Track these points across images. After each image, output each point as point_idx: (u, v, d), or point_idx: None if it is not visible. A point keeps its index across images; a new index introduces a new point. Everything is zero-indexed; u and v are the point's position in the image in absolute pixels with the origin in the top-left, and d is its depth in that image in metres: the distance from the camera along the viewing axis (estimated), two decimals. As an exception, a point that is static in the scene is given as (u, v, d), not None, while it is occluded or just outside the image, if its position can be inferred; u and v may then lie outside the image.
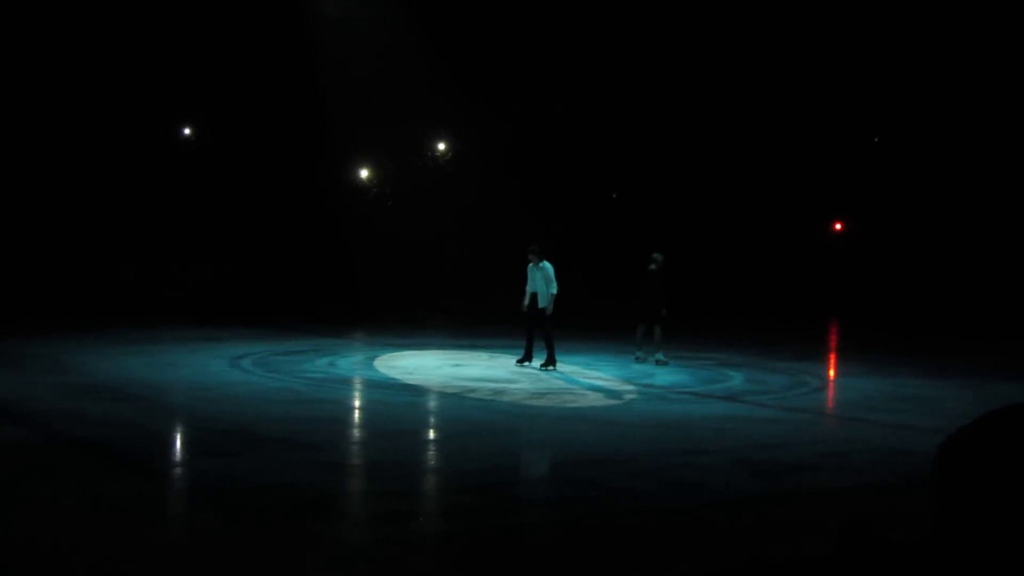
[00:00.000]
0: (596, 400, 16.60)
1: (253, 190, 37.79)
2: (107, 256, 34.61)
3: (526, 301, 20.51)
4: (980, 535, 1.24)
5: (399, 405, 15.75)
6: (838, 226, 45.01)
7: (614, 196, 43.94)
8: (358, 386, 18.35)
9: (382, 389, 17.44)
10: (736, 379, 19.84)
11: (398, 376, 19.02)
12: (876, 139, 45.83)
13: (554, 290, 20.11)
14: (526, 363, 20.58)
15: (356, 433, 14.48)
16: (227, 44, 37.12)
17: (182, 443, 12.78)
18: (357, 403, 17.08)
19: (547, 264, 20.25)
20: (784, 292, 40.49)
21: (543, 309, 20.14)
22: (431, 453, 12.89)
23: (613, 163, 42.82)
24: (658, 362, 21.35)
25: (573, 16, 39.37)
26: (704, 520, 9.49)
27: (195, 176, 37.39)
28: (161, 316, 29.45)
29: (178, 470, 10.93)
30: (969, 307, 36.80)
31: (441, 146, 44.43)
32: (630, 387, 18.29)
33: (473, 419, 15.09)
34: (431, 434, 14.24)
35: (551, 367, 20.04)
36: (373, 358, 21.92)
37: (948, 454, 1.30)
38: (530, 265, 20.43)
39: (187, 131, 39.12)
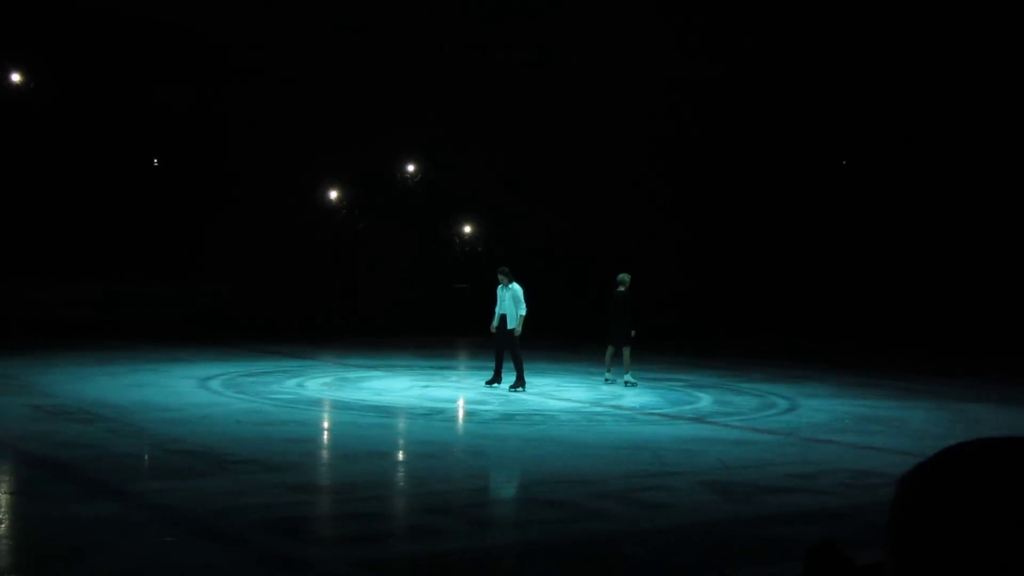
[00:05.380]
0: (565, 421, 16.59)
1: (222, 211, 37.68)
2: (69, 272, 34.38)
3: (495, 322, 20.54)
4: None
5: (368, 426, 15.70)
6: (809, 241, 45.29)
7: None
8: (327, 407, 18.30)
9: (351, 410, 17.40)
10: (705, 400, 19.90)
11: (367, 397, 18.98)
12: (845, 161, 46.20)
13: (523, 311, 20.16)
14: (495, 384, 20.59)
15: (325, 454, 14.44)
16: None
17: (150, 464, 12.70)
18: (326, 424, 17.03)
19: (516, 285, 20.30)
20: (755, 311, 40.64)
21: (512, 330, 20.17)
22: (399, 474, 12.86)
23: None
24: (627, 383, 21.40)
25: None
26: (672, 541, 9.51)
27: (164, 198, 37.28)
28: (129, 336, 29.28)
29: (146, 492, 10.85)
30: (940, 326, 37.02)
31: (411, 167, 44.47)
32: (599, 408, 18.31)
33: (441, 440, 15.08)
34: (399, 455, 14.20)
35: (520, 388, 20.06)
36: (342, 379, 21.87)
37: (902, 504, 1.31)
38: (500, 286, 20.47)
39: (155, 162, 39.08)
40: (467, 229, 44.59)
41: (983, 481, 1.24)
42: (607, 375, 22.08)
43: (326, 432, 16.43)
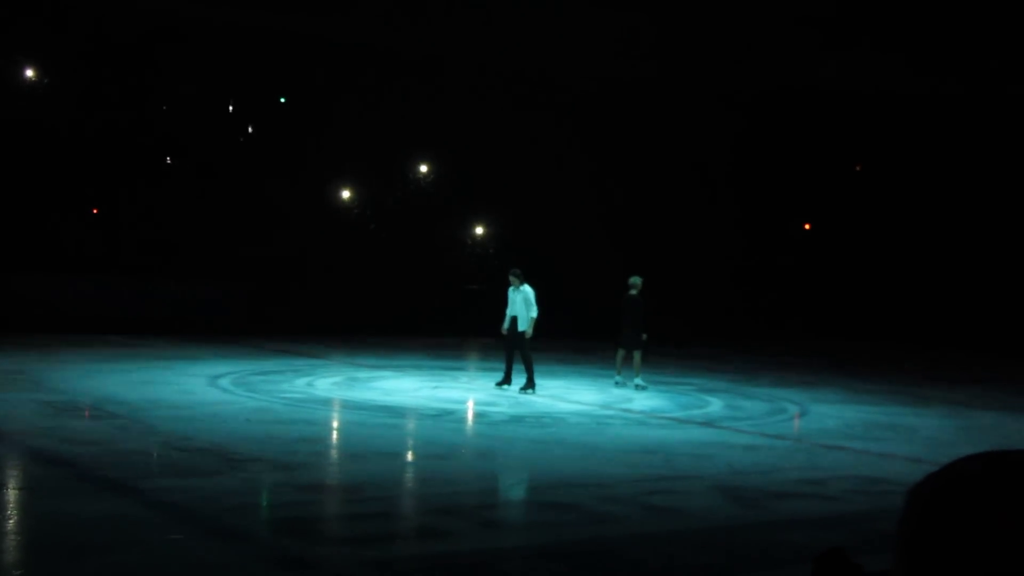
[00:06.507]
0: (574, 424, 16.57)
1: (239, 209, 37.73)
2: (80, 269, 34.40)
3: (506, 324, 20.52)
4: None
5: (377, 426, 15.70)
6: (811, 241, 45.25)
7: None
8: (336, 407, 18.31)
9: (360, 410, 17.40)
10: (715, 405, 19.87)
11: (376, 397, 18.98)
12: (858, 167, 46.20)
13: (534, 313, 20.12)
14: (505, 386, 20.57)
15: (334, 454, 14.45)
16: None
17: (159, 462, 12.69)
18: (335, 424, 17.03)
19: (528, 287, 20.28)
20: (767, 313, 40.61)
21: (523, 332, 20.15)
22: (408, 475, 12.86)
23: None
24: (637, 387, 21.37)
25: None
26: (681, 546, 9.49)
27: (184, 194, 37.33)
28: (140, 333, 29.33)
29: (154, 489, 10.85)
30: (954, 331, 36.95)
31: (423, 167, 44.49)
32: (609, 412, 18.29)
33: (450, 441, 15.07)
34: (408, 456, 14.20)
35: (530, 390, 20.04)
36: (352, 379, 21.88)
37: (912, 514, 1.30)
38: (511, 288, 20.44)
39: (169, 159, 39.20)
40: (479, 230, 44.59)
41: (994, 495, 1.23)
42: (617, 378, 22.06)
43: (335, 432, 16.44)
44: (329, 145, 39.58)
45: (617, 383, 21.93)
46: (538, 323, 20.31)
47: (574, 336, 32.98)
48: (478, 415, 17.85)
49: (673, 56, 40.96)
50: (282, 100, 41.13)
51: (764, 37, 39.24)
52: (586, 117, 42.79)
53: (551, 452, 14.03)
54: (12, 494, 10.40)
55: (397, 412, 17.40)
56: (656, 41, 39.98)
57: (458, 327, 35.38)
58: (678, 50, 40.50)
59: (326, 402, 18.60)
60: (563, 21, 38.08)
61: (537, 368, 20.49)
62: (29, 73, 37.25)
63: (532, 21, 38.14)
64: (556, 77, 42.41)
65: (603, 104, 43.10)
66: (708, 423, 17.32)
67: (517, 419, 16.87)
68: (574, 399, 19.92)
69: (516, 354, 20.39)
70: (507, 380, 20.65)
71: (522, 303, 20.24)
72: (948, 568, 1.22)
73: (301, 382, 20.74)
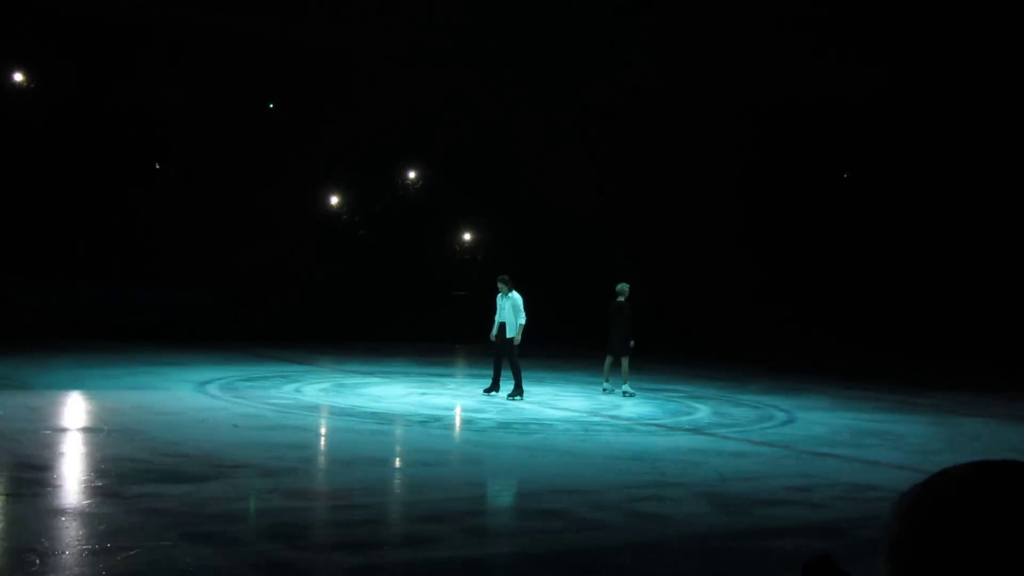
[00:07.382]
0: (562, 431, 16.57)
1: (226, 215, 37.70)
2: (68, 274, 34.31)
3: (494, 331, 20.53)
4: None
5: (365, 433, 15.68)
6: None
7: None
8: (324, 413, 18.27)
9: (348, 416, 17.38)
10: (702, 412, 19.88)
11: (364, 403, 18.96)
12: (846, 175, 46.30)
13: (522, 320, 20.15)
14: (493, 392, 20.57)
15: (321, 460, 14.42)
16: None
17: (146, 468, 12.65)
18: (323, 430, 17.00)
19: (516, 294, 20.30)
20: (760, 320, 40.64)
21: (511, 339, 20.16)
22: (396, 482, 12.84)
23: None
24: (625, 393, 21.38)
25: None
26: (668, 553, 9.49)
27: (172, 200, 37.25)
28: (127, 338, 29.24)
29: (141, 495, 10.81)
30: (943, 337, 37.02)
31: (412, 174, 44.47)
32: (597, 418, 18.30)
33: (438, 448, 15.06)
34: (396, 462, 14.18)
35: (518, 397, 20.04)
36: (340, 385, 21.85)
37: (899, 524, 1.31)
38: (499, 295, 20.46)
39: (157, 165, 39.13)
40: (467, 236, 44.58)
41: (980, 504, 1.24)
42: (605, 385, 22.07)
43: (323, 438, 16.41)
44: (318, 151, 39.52)
45: (605, 390, 21.94)
46: (526, 330, 20.33)
47: (563, 342, 32.98)
48: (466, 422, 17.84)
49: (670, 65, 41.03)
50: (271, 106, 41.10)
51: (754, 47, 39.30)
52: (581, 119, 42.81)
53: (539, 459, 14.02)
54: (-2, 500, 10.35)
55: (385, 418, 17.38)
56: (653, 50, 40.03)
57: (446, 333, 35.36)
58: (675, 59, 40.57)
59: (314, 408, 18.57)
60: (558, 26, 38.09)
61: (525, 375, 20.50)
62: (18, 77, 37.15)
63: (527, 23, 38.14)
64: (548, 81, 42.43)
65: (596, 108, 43.12)
66: (696, 430, 17.33)
67: (505, 426, 16.86)
68: (562, 406, 19.91)
69: (504, 361, 20.40)
70: (495, 387, 20.66)
71: (510, 310, 20.26)
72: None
73: (289, 388, 20.71)
